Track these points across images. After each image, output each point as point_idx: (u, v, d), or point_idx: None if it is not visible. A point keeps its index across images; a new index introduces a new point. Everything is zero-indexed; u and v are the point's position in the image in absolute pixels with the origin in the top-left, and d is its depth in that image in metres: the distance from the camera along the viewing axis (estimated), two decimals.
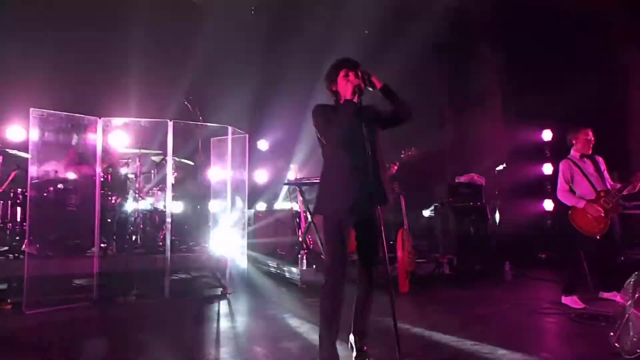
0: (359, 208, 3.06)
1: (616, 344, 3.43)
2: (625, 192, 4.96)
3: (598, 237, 4.91)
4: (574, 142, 5.32)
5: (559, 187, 5.24)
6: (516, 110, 8.71)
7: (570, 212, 5.05)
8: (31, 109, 4.75)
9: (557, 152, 8.90)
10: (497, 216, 7.40)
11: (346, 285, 3.10)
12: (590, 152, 5.25)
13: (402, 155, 6.08)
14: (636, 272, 3.60)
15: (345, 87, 3.11)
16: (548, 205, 8.97)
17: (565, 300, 4.96)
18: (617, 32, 7.98)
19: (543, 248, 8.44)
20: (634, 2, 7.01)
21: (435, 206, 7.65)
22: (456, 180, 7.85)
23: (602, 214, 4.88)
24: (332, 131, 3.07)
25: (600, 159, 5.27)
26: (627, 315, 3.45)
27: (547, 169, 9.02)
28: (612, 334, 3.52)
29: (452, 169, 9.47)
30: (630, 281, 3.59)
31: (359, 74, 3.10)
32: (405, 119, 3.24)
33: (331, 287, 3.09)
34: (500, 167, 7.35)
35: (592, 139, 5.24)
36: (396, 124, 3.28)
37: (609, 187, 5.07)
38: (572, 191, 5.14)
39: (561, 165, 5.29)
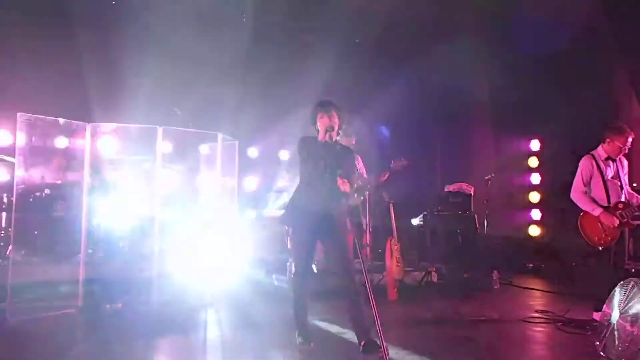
0: (314, 224, 3.70)
1: (602, 353, 3.46)
2: None
3: (600, 249, 4.56)
4: (608, 140, 4.66)
5: (575, 185, 4.73)
6: (505, 119, 8.79)
7: (579, 217, 4.68)
8: (19, 113, 4.70)
9: (545, 162, 9.02)
10: (486, 225, 7.44)
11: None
12: (617, 157, 4.72)
13: (391, 165, 6.10)
14: (622, 282, 3.65)
15: (320, 125, 3.75)
16: (535, 214, 9.05)
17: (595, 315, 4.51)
18: (607, 43, 8.10)
19: (530, 257, 8.51)
20: (624, 16, 7.13)
21: (424, 215, 7.67)
22: (445, 189, 7.89)
23: (616, 226, 4.49)
24: (308, 160, 3.73)
25: (625, 162, 4.76)
26: (612, 325, 3.48)
27: (535, 178, 9.11)
28: (597, 342, 3.55)
29: (441, 177, 9.53)
30: (615, 291, 3.63)
31: (334, 115, 3.73)
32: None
33: (298, 279, 3.92)
34: (489, 177, 7.40)
35: (627, 148, 4.66)
36: None
37: (626, 193, 4.67)
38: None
39: (583, 162, 4.72)
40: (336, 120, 3.73)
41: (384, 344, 3.15)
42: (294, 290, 3.95)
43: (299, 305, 3.91)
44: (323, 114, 3.74)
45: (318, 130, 3.81)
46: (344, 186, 3.60)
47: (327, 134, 3.69)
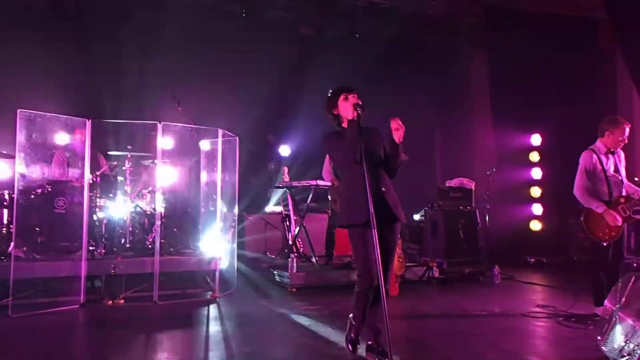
0: (370, 219, 3.23)
1: (603, 347, 3.45)
2: None
3: (605, 244, 4.53)
4: (606, 134, 4.62)
5: (578, 182, 4.65)
6: (506, 114, 8.78)
7: (584, 213, 4.63)
8: (18, 110, 4.69)
9: (546, 156, 9.01)
10: (487, 220, 7.44)
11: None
12: (617, 149, 4.70)
13: None
14: (623, 277, 3.65)
15: (346, 108, 3.50)
16: (537, 209, 9.05)
17: (596, 310, 4.59)
18: (605, 35, 8.08)
19: (532, 252, 8.51)
20: (619, 8, 7.11)
21: (425, 210, 7.67)
22: (446, 184, 7.88)
23: (620, 222, 4.47)
24: (342, 153, 3.46)
25: (622, 155, 4.72)
26: (614, 319, 3.48)
27: (536, 173, 9.11)
28: (599, 337, 3.55)
29: (442, 172, 9.52)
30: (617, 285, 3.63)
31: (356, 95, 3.50)
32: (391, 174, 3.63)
33: (363, 287, 3.43)
34: (490, 172, 7.39)
35: (627, 139, 4.62)
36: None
37: (626, 187, 4.62)
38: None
39: (584, 157, 4.66)
40: (358, 100, 3.48)
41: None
42: (356, 300, 3.53)
43: (358, 313, 3.55)
44: (348, 94, 3.52)
45: (338, 116, 3.60)
46: (396, 124, 3.32)
47: (356, 112, 3.42)
